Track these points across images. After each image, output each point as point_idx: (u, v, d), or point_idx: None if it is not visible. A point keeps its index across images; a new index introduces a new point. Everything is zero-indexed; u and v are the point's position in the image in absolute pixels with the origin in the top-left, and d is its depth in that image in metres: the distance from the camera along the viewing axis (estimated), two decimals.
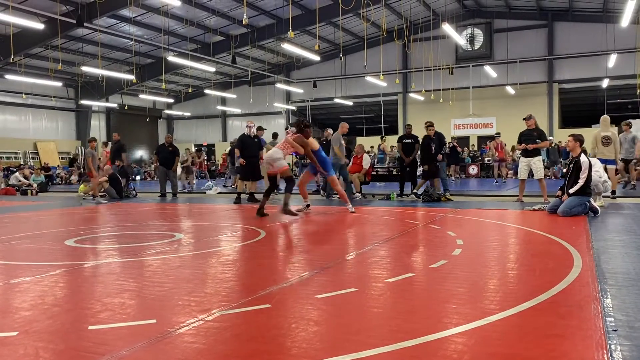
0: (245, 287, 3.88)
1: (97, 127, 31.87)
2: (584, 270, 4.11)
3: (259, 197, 10.73)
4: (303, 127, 8.75)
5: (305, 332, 2.80)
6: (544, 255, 5.01)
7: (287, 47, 21.18)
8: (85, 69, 23.11)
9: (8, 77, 22.82)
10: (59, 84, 25.63)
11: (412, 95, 28.86)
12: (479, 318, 2.95)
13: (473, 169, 22.42)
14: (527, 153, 10.34)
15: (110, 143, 21.35)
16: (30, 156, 27.38)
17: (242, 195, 11.97)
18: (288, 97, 33.27)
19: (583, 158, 8.05)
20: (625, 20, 16.42)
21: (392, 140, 26.92)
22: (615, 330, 2.73)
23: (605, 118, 11.19)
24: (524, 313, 3.08)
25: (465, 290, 3.69)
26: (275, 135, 16.50)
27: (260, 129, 12.38)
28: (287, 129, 9.39)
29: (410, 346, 2.56)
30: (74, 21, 17.60)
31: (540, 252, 5.22)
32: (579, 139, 8.30)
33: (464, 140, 26.90)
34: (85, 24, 18.45)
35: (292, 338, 2.73)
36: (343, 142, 11.83)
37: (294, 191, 8.70)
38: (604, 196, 9.43)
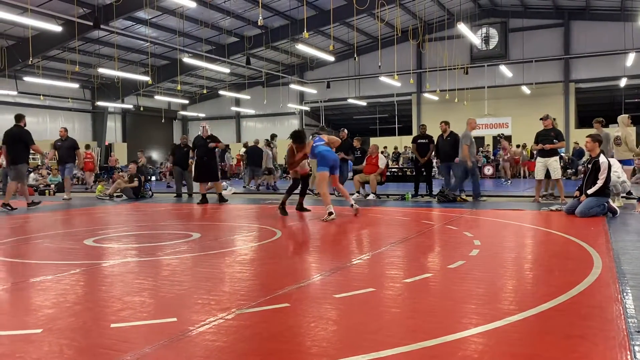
0: (263, 286, 3.90)
1: (113, 128, 32.23)
2: (604, 271, 4.07)
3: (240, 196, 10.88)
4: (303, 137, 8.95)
5: (324, 332, 2.81)
6: (562, 256, 4.97)
7: (301, 47, 21.23)
8: (101, 70, 23.39)
9: (26, 79, 23.15)
10: (75, 85, 25.96)
11: (426, 95, 28.76)
12: (498, 318, 2.94)
13: (488, 169, 22.26)
14: (544, 153, 10.26)
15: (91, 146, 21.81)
16: (80, 155, 27.73)
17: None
18: (301, 97, 33.33)
19: (602, 158, 7.96)
20: None
21: (406, 141, 26.84)
22: (638, 332, 2.71)
23: (621, 117, 11.02)
24: (544, 314, 3.05)
25: (483, 290, 3.67)
26: (273, 137, 16.98)
27: (273, 137, 12.76)
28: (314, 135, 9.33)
29: (430, 346, 2.55)
30: (91, 23, 17.80)
31: (558, 252, 5.18)
32: (598, 139, 8.22)
33: (479, 141, 26.72)
34: (102, 26, 18.67)
35: (312, 337, 2.74)
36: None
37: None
38: (621, 197, 9.31)
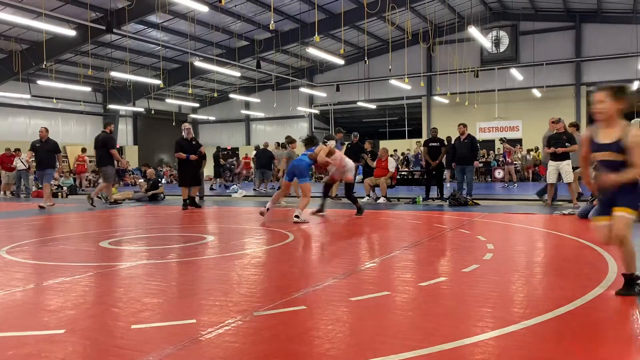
0: (279, 289, 3.94)
1: (124, 131, 32.47)
2: (619, 275, 4.06)
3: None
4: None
5: (342, 334, 2.85)
6: (577, 260, 4.97)
7: (311, 51, 21.29)
8: (113, 74, 23.61)
9: (40, 82, 23.41)
10: (88, 88, 26.20)
11: (436, 98, 28.71)
12: (514, 322, 2.96)
13: (499, 173, 22.18)
14: (556, 157, 10.22)
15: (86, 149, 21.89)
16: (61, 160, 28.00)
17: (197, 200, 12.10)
18: (311, 100, 33.40)
19: None
20: None
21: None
22: None
23: (635, 121, 10.99)
24: (560, 318, 3.06)
25: (499, 294, 3.69)
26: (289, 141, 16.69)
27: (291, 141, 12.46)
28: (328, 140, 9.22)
29: (448, 349, 2.58)
30: (104, 27, 17.99)
31: (573, 257, 5.18)
32: None
33: (489, 144, 26.64)
34: (114, 30, 18.85)
35: (330, 339, 2.77)
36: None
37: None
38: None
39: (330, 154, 8.88)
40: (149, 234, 7.38)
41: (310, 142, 9.25)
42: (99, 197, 12.65)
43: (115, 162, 12.64)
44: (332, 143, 8.95)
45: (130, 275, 4.57)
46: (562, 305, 3.27)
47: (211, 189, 19.21)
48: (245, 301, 3.54)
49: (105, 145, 11.90)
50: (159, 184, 14.40)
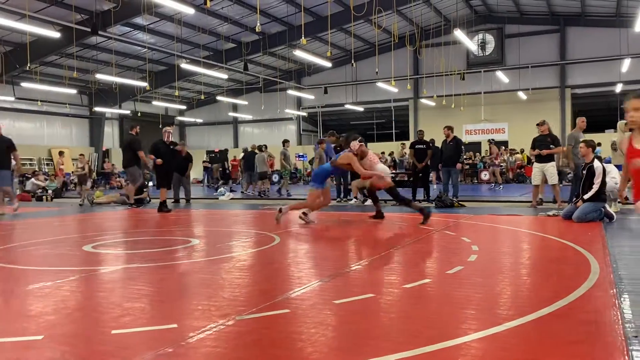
0: (263, 293, 3.91)
1: (111, 134, 32.21)
2: (601, 276, 4.10)
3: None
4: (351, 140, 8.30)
5: (325, 338, 2.83)
6: (560, 261, 5.00)
7: (298, 53, 21.30)
8: (99, 76, 23.41)
9: (24, 84, 23.15)
10: (73, 91, 25.96)
11: (423, 100, 28.85)
12: (497, 324, 2.96)
13: (485, 175, 22.33)
14: (540, 159, 10.32)
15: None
16: (45, 162, 27.72)
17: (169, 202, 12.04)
18: (299, 103, 33.40)
19: (597, 164, 8.02)
20: (638, 24, 16.32)
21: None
22: (635, 337, 2.73)
23: (619, 123, 11.12)
24: (542, 319, 3.07)
25: (482, 296, 3.69)
26: (284, 143, 16.70)
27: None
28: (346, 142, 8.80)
29: (431, 351, 2.57)
30: (89, 29, 17.84)
31: (556, 258, 5.21)
32: (591, 145, 8.30)
33: (475, 146, 26.81)
34: (99, 32, 18.70)
35: (313, 343, 2.75)
36: None
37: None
38: (618, 202, 9.36)
39: (361, 157, 8.21)
40: (133, 237, 7.32)
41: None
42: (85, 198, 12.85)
43: (143, 163, 12.44)
44: (355, 144, 8.19)
45: (113, 280, 4.52)
46: (544, 307, 3.28)
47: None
48: (228, 305, 3.51)
49: (131, 146, 11.89)
50: (145, 189, 14.25)
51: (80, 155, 15.11)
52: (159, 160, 11.21)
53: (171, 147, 11.69)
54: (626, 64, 22.67)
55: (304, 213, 8.08)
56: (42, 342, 2.80)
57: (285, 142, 16.75)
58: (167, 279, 4.52)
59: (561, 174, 15.33)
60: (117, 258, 5.67)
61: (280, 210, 8.09)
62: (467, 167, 22.97)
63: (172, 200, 14.09)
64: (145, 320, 3.22)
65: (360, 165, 8.15)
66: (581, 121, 10.57)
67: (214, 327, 2.98)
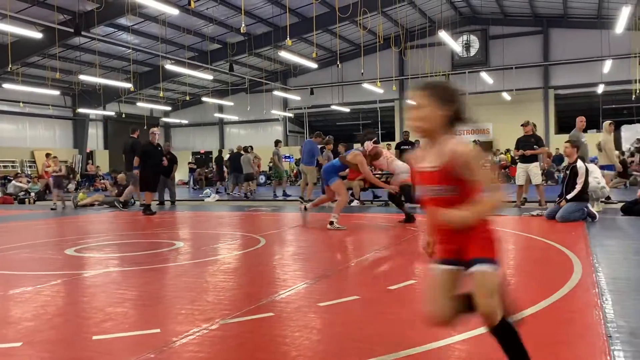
0: (247, 296, 3.88)
1: (95, 135, 31.87)
2: (584, 276, 4.13)
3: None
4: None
5: (309, 341, 2.82)
6: (543, 261, 5.04)
7: (284, 54, 21.25)
8: (82, 77, 23.15)
9: (6, 86, 22.81)
10: (56, 92, 25.64)
11: (408, 101, 28.93)
12: (482, 325, 2.96)
13: None
14: (524, 159, 10.41)
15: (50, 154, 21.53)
16: (28, 165, 27.34)
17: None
18: (285, 104, 33.34)
19: (579, 164, 8.10)
20: (619, 26, 16.54)
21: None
22: (617, 336, 2.75)
23: (604, 124, 11.25)
24: (525, 320, 3.08)
25: None
26: (276, 143, 16.59)
27: (328, 142, 12.10)
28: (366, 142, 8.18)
29: (415, 354, 2.57)
30: (72, 30, 17.62)
31: (540, 258, 5.25)
32: (576, 145, 8.39)
33: None
34: (82, 33, 18.47)
35: (297, 347, 2.74)
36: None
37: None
38: (601, 201, 9.47)
39: (375, 157, 7.87)
40: (117, 241, 7.24)
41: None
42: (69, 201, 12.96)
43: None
44: (368, 145, 7.81)
45: (95, 284, 4.46)
46: (528, 307, 3.29)
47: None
48: (212, 309, 3.48)
49: (133, 150, 11.99)
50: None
51: (54, 157, 14.68)
52: (137, 170, 11.08)
53: (158, 148, 11.56)
54: (607, 65, 22.97)
55: (331, 222, 7.47)
56: (21, 349, 2.75)
57: (277, 142, 16.70)
58: (150, 282, 4.47)
59: (550, 174, 15.51)
60: (100, 261, 5.60)
61: (332, 222, 7.45)
62: None
63: (157, 202, 13.98)
64: (127, 325, 3.18)
65: (377, 165, 7.99)
66: (580, 121, 10.61)
67: (197, 331, 2.96)
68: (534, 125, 11.63)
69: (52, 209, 13.13)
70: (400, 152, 12.53)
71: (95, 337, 2.90)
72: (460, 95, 2.44)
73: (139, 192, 12.50)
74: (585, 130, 12.33)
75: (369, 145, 7.84)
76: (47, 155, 21.69)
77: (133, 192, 12.60)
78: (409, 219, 8.02)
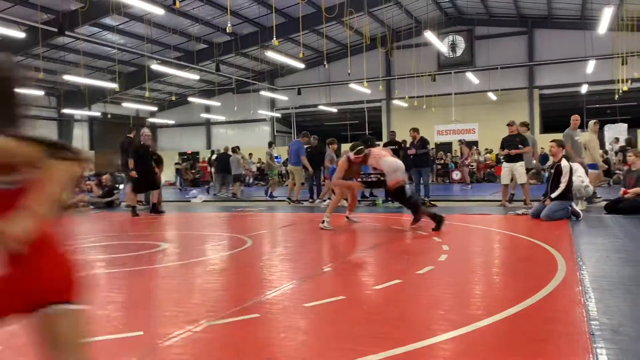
0: (233, 297, 3.86)
1: (80, 136, 31.55)
2: (568, 274, 4.17)
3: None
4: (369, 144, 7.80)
5: (294, 342, 2.80)
6: (528, 259, 5.07)
7: (271, 54, 21.19)
8: (67, 77, 22.89)
9: None
10: (40, 92, 25.33)
11: (395, 102, 29.05)
12: (466, 324, 2.97)
13: (457, 174, 22.60)
14: (509, 158, 10.49)
15: None
16: None
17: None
18: (272, 104, 33.27)
19: (564, 163, 8.18)
20: (602, 27, 16.73)
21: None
22: (600, 334, 2.78)
23: (590, 123, 11.33)
24: (510, 318, 3.11)
25: (452, 296, 3.72)
26: (270, 144, 16.56)
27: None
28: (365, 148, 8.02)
29: (400, 354, 2.57)
30: (56, 30, 17.42)
31: (524, 256, 5.28)
32: (562, 145, 8.47)
33: (446, 146, 27.12)
34: (67, 33, 18.28)
35: (282, 348, 2.73)
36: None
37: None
38: (584, 200, 9.57)
39: (364, 160, 7.71)
40: (101, 242, 7.16)
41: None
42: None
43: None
44: (351, 155, 7.70)
45: None
46: (513, 306, 3.31)
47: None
48: (197, 311, 3.45)
49: (127, 150, 12.06)
50: (115, 191, 13.99)
51: (106, 173, 14.74)
52: (133, 173, 11.00)
53: (150, 149, 11.50)
54: (591, 65, 23.22)
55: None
56: (0, 354, 2.70)
57: (271, 144, 16.67)
58: (134, 284, 4.43)
59: (538, 173, 15.62)
60: (83, 263, 5.53)
61: (347, 218, 7.62)
62: (439, 167, 23.22)
63: (143, 204, 13.87)
64: (110, 328, 3.13)
65: (370, 165, 7.88)
66: (574, 119, 10.57)
67: (181, 333, 2.93)
68: (527, 126, 11.74)
69: (115, 205, 13.29)
70: None
71: None
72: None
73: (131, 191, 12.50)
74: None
75: (351, 156, 7.73)
76: None
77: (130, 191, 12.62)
78: (437, 220, 7.11)
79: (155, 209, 10.95)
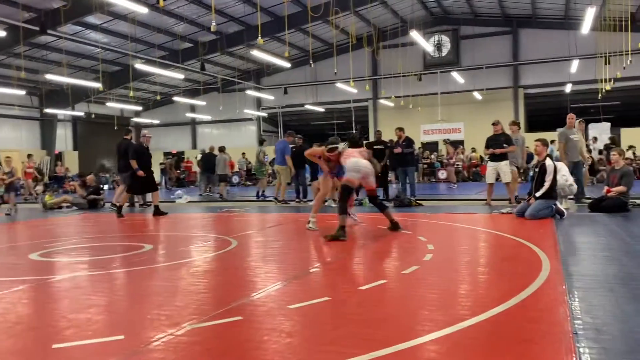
0: (216, 299, 3.81)
1: (63, 136, 31.18)
2: (552, 273, 4.18)
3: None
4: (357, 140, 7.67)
5: (277, 345, 2.77)
6: (513, 258, 5.09)
7: (256, 53, 21.11)
8: (49, 77, 22.57)
9: None
10: (22, 92, 24.96)
11: (382, 101, 29.11)
12: (451, 324, 2.97)
13: (442, 174, 22.70)
14: (494, 157, 10.55)
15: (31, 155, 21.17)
16: None
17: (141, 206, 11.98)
18: (259, 103, 33.15)
19: (548, 162, 8.24)
20: (585, 27, 16.90)
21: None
22: (582, 333, 2.78)
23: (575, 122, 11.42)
24: (494, 318, 3.10)
25: (437, 296, 3.71)
26: (261, 142, 16.29)
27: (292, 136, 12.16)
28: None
29: (384, 355, 2.55)
30: (37, 28, 17.17)
31: (509, 255, 5.30)
32: (546, 144, 8.54)
33: (432, 146, 27.22)
34: (49, 31, 18.02)
35: (265, 351, 2.69)
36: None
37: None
38: (569, 198, 9.65)
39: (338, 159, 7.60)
40: (84, 244, 7.06)
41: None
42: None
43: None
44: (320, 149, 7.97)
45: (59, 290, 4.32)
46: (497, 305, 3.31)
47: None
48: (179, 314, 3.40)
49: (126, 152, 12.02)
50: (101, 191, 13.80)
51: (7, 157, 13.94)
52: (140, 172, 10.90)
53: (149, 151, 11.46)
54: (575, 65, 23.46)
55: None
56: None
57: (262, 141, 16.39)
58: (116, 287, 4.36)
59: (525, 172, 15.73)
60: (65, 266, 5.45)
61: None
62: (425, 166, 23.30)
63: (127, 204, 13.72)
64: (90, 332, 3.08)
65: (331, 166, 7.85)
66: (570, 118, 10.52)
67: (162, 337, 2.88)
68: (518, 125, 11.78)
69: (6, 214, 12.29)
70: (373, 152, 12.53)
71: (55, 346, 2.80)
72: None
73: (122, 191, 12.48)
74: (554, 129, 12.50)
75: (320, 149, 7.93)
76: (29, 156, 21.12)
77: (121, 191, 12.62)
78: (394, 227, 7.09)
79: (159, 211, 10.68)
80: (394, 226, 7.06)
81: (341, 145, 7.82)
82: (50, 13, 18.26)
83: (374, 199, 7.37)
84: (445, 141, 21.89)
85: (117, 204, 11.09)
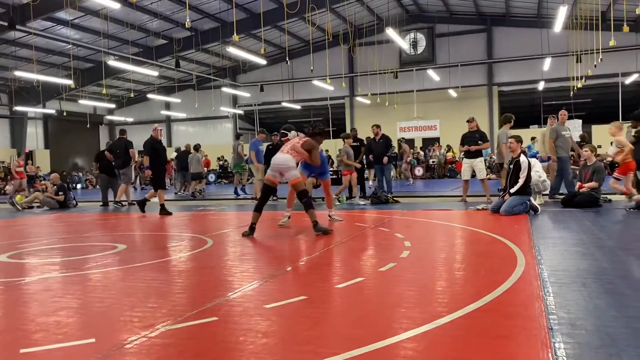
0: (191, 300, 3.75)
1: (34, 135, 30.48)
2: (527, 268, 4.22)
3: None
4: (317, 132, 7.34)
5: (253, 345, 2.73)
6: (488, 255, 5.13)
7: (232, 50, 20.94)
8: (18, 73, 22.02)
9: None
10: None
11: (358, 98, 29.18)
12: (428, 322, 2.96)
13: (419, 171, 22.87)
14: (469, 154, 10.65)
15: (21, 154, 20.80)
16: None
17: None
18: (235, 101, 32.91)
19: (522, 158, 8.34)
20: (557, 25, 17.18)
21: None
22: (558, 328, 2.80)
23: (548, 118, 11.54)
24: (471, 315, 3.11)
25: (413, 293, 3.71)
26: (238, 136, 16.04)
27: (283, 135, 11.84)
28: (284, 135, 8.81)
29: (362, 354, 2.53)
30: (6, 23, 16.73)
31: (485, 251, 5.34)
32: (520, 141, 8.64)
33: (409, 143, 27.39)
34: (18, 27, 17.58)
35: (241, 352, 2.65)
36: None
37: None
38: (542, 194, 9.79)
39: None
40: (54, 245, 6.89)
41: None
42: (12, 204, 13.19)
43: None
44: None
45: (28, 292, 4.20)
46: (473, 302, 3.32)
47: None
48: (152, 315, 3.32)
49: (126, 149, 12.88)
50: (61, 191, 13.34)
51: (57, 172, 14.59)
52: (148, 171, 11.02)
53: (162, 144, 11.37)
54: (547, 63, 23.86)
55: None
56: None
57: (239, 135, 16.07)
58: (88, 288, 4.26)
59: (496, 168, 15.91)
60: (35, 268, 5.30)
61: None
62: (394, 162, 23.50)
63: (100, 203, 13.48)
64: (60, 335, 2.99)
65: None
66: (562, 114, 10.57)
67: (135, 340, 2.81)
68: (510, 120, 11.79)
69: (72, 206, 13.21)
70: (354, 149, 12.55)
71: (23, 351, 2.71)
72: None
73: (125, 189, 12.98)
74: (527, 126, 12.67)
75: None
76: (19, 154, 20.54)
77: (124, 190, 12.99)
78: (315, 228, 6.59)
79: (164, 210, 10.36)
80: (316, 228, 6.53)
81: (292, 134, 7.97)
82: (19, 8, 17.82)
83: (299, 195, 6.80)
84: (401, 140, 22.10)
85: (132, 202, 11.21)
